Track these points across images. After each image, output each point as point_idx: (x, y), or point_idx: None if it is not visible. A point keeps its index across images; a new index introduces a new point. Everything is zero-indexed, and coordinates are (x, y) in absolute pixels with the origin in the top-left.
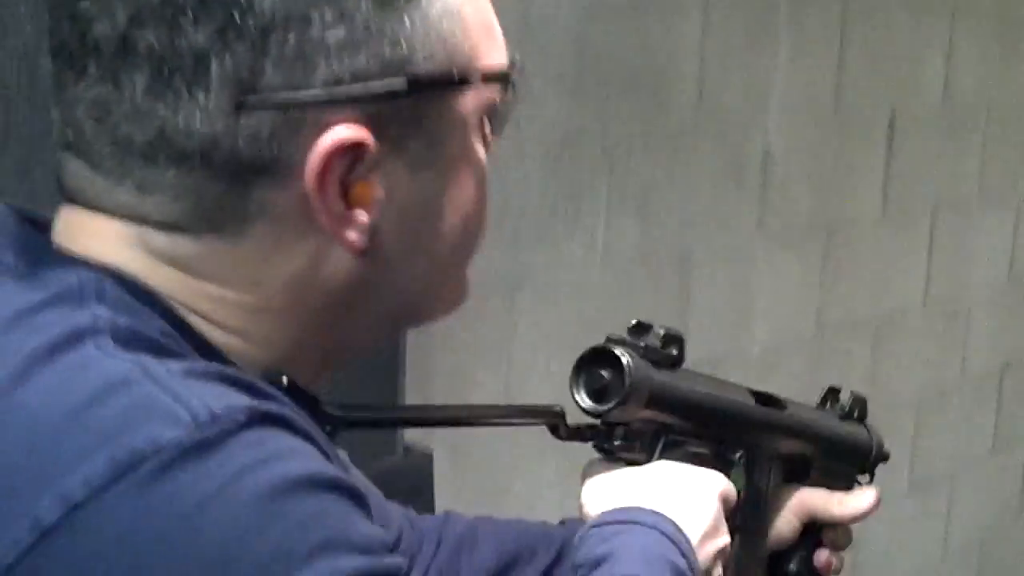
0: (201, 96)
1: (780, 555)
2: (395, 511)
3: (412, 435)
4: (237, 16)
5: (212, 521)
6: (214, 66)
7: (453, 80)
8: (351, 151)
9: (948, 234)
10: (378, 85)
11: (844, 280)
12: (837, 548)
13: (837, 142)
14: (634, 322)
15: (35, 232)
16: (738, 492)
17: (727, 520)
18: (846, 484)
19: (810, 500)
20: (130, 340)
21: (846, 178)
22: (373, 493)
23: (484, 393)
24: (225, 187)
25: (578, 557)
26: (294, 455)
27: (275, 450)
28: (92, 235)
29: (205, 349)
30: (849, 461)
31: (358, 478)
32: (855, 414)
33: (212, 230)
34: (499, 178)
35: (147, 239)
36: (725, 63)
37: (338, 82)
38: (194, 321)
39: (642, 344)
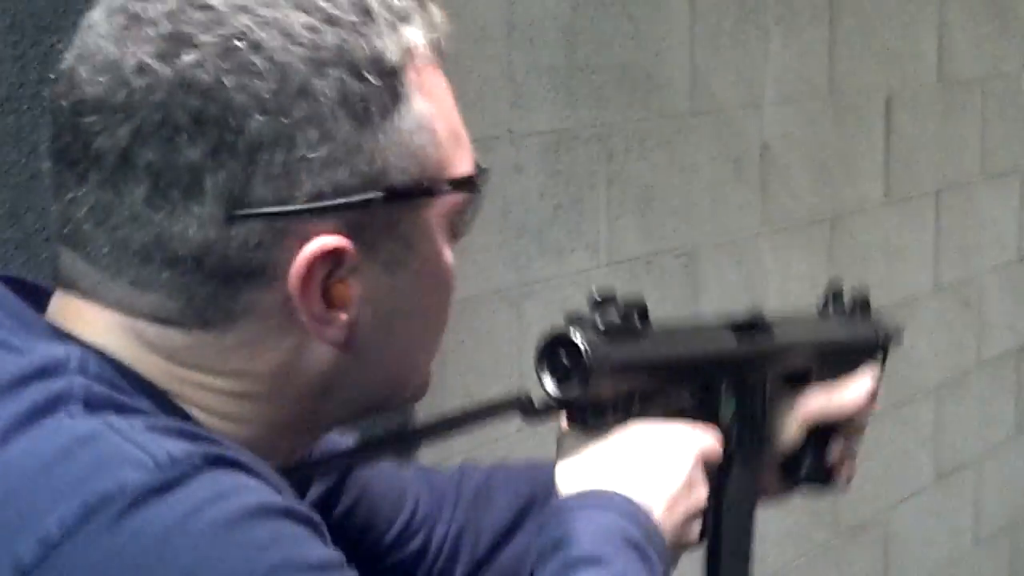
0: (195, 208)
1: (791, 462)
2: (410, 475)
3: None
4: (229, 137)
5: (176, 550)
6: (208, 181)
7: (424, 190)
8: (332, 256)
9: (953, 215)
10: (358, 198)
11: (852, 268)
12: (847, 439)
13: (835, 128)
14: (596, 297)
15: (30, 307)
16: (730, 421)
17: (719, 462)
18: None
19: (809, 404)
20: (99, 404)
21: (846, 164)
22: (382, 464)
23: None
24: (215, 288)
25: (537, 543)
26: (248, 490)
27: (231, 486)
28: (86, 321)
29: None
30: (853, 360)
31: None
32: (857, 310)
33: (201, 326)
34: (498, 192)
35: (138, 329)
36: (716, 50)
37: (320, 196)
38: (178, 402)
39: (602, 319)
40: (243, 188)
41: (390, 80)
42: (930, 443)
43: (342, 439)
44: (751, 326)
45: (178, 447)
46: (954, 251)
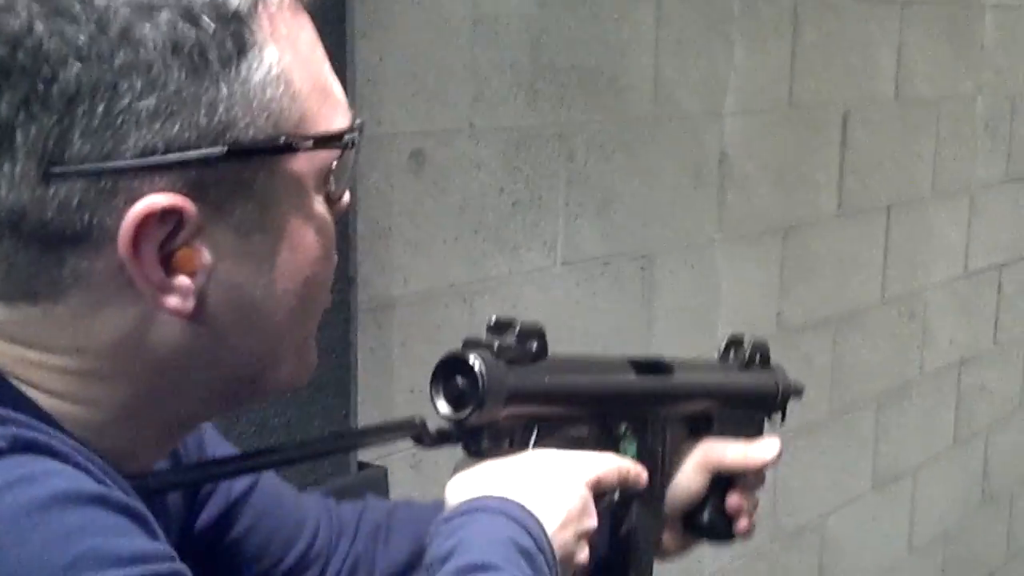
0: (6, 166)
1: (693, 509)
2: (312, 505)
3: (368, 452)
4: (41, 86)
5: None
6: (19, 136)
7: (279, 147)
8: (169, 218)
9: (903, 230)
10: (195, 153)
11: (803, 279)
12: (748, 491)
13: (792, 140)
14: (493, 320)
15: None
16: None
17: (616, 495)
18: (754, 430)
19: (714, 453)
20: None
21: (802, 176)
22: (283, 494)
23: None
24: (36, 256)
25: (428, 555)
26: (58, 475)
27: (38, 471)
28: None
29: (26, 409)
30: (754, 408)
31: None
32: (756, 360)
33: (25, 298)
34: (457, 184)
35: None
36: (680, 57)
37: (151, 151)
38: (15, 383)
39: (499, 344)
40: (59, 143)
41: (233, 26)
42: (870, 451)
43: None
44: (652, 366)
45: None
46: (903, 265)
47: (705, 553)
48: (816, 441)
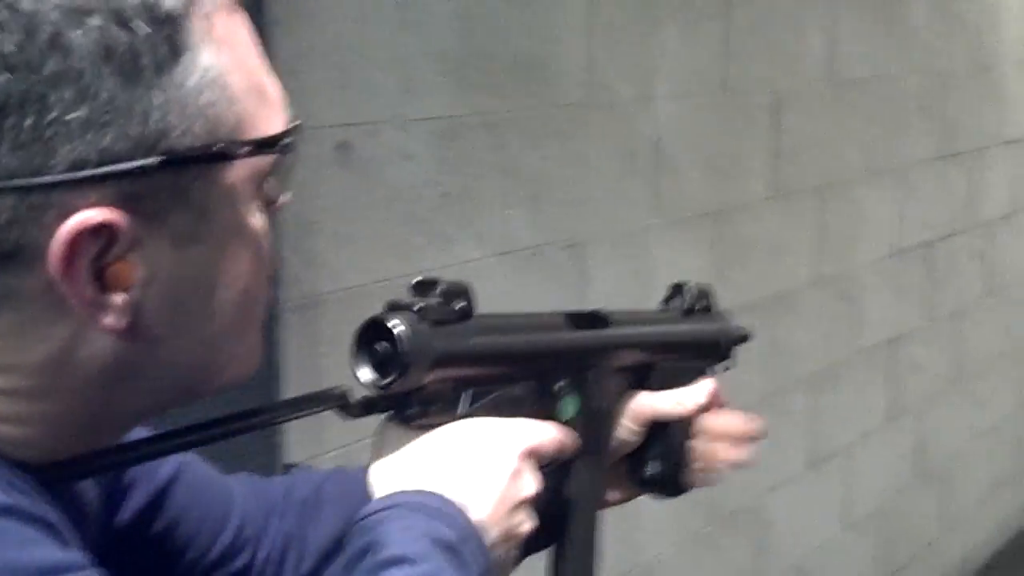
0: None
1: (633, 463)
2: (239, 488)
3: (295, 452)
4: None
5: None
6: None
7: (215, 154)
8: (102, 232)
9: (835, 211)
10: (128, 165)
11: (736, 262)
12: (685, 440)
13: (725, 124)
14: (416, 280)
15: None
16: (572, 419)
17: (554, 456)
18: (695, 379)
19: (647, 404)
20: None
21: (735, 160)
22: (209, 479)
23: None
24: None
25: (346, 552)
26: None
27: None
28: None
29: None
30: (696, 356)
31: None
32: (698, 306)
33: None
34: (385, 176)
35: None
36: (611, 43)
37: (82, 164)
38: None
39: (422, 305)
40: None
41: (167, 29)
42: (803, 431)
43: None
44: (588, 319)
45: None
46: (834, 246)
47: (643, 538)
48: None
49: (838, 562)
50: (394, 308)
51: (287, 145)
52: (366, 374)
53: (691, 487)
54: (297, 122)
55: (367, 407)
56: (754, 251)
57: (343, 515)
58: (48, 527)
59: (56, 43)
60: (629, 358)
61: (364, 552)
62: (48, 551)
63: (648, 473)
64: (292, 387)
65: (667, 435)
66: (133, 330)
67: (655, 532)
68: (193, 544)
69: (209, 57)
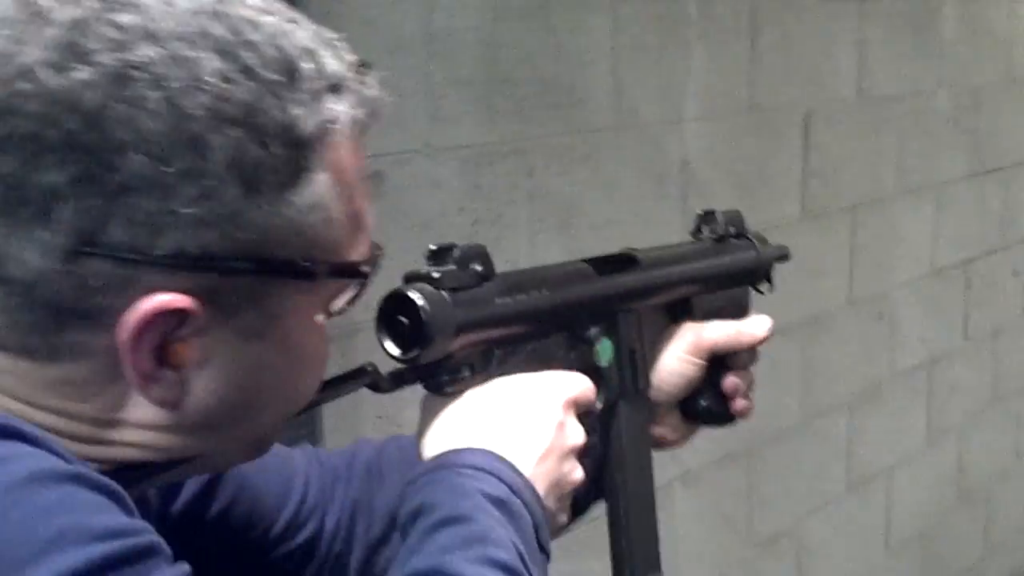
0: (42, 234)
1: (689, 396)
2: (300, 459)
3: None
4: (98, 170)
5: None
6: (63, 210)
7: (302, 271)
8: (175, 315)
9: (869, 230)
10: (222, 265)
11: None
12: (742, 370)
13: (754, 143)
14: (432, 247)
15: None
16: (609, 364)
17: (599, 404)
18: (737, 307)
19: (706, 337)
20: None
21: (765, 180)
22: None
23: (412, 429)
24: (40, 319)
25: (400, 515)
26: (32, 456)
27: (10, 453)
28: None
29: None
30: (734, 283)
31: None
32: (731, 231)
33: (24, 354)
34: (416, 205)
35: None
36: (638, 65)
37: (182, 254)
38: None
39: (439, 273)
40: (98, 226)
41: (296, 153)
42: (843, 454)
43: None
44: (615, 263)
45: None
46: (869, 265)
47: (683, 564)
48: (789, 446)
49: None
50: (412, 279)
51: (366, 273)
52: (392, 348)
53: (739, 416)
54: (380, 251)
55: (397, 380)
56: (787, 272)
57: (406, 478)
58: (114, 495)
59: (195, 142)
60: (664, 296)
61: (416, 515)
62: (116, 516)
63: (703, 405)
64: (331, 415)
65: (722, 366)
66: (176, 407)
67: (694, 557)
68: (254, 522)
69: (323, 184)
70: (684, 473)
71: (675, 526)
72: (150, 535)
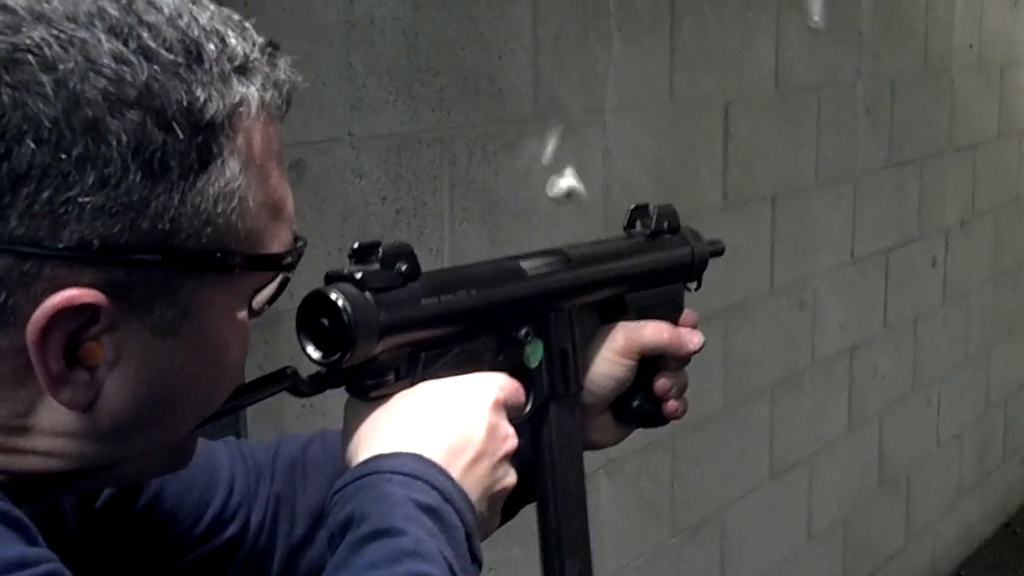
0: None
1: (621, 397)
2: (225, 455)
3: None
4: None
5: None
6: None
7: (216, 262)
8: (84, 311)
9: (789, 219)
10: (128, 257)
11: None
12: (674, 370)
13: (674, 134)
14: (355, 246)
15: None
16: (539, 365)
17: (528, 407)
18: (672, 304)
19: (639, 338)
20: None
21: (686, 170)
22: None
23: (337, 422)
24: None
25: (328, 525)
26: None
27: None
28: None
29: None
30: (667, 280)
31: None
32: (665, 227)
33: None
34: (336, 195)
35: None
36: (558, 56)
37: (85, 246)
38: None
39: (362, 273)
40: None
41: (203, 136)
42: (765, 441)
43: None
44: (546, 259)
45: None
46: (789, 254)
47: (607, 551)
48: (711, 434)
49: (803, 573)
50: (334, 279)
51: (288, 265)
52: (314, 352)
53: (672, 418)
54: (301, 243)
55: (319, 384)
56: (710, 260)
57: (330, 477)
58: (15, 523)
59: (92, 127)
60: (595, 295)
61: (344, 527)
62: (16, 547)
63: (636, 406)
64: (254, 404)
65: (651, 368)
66: (89, 409)
67: (618, 545)
68: (178, 519)
69: (234, 170)
70: (608, 462)
71: (599, 514)
72: (52, 563)
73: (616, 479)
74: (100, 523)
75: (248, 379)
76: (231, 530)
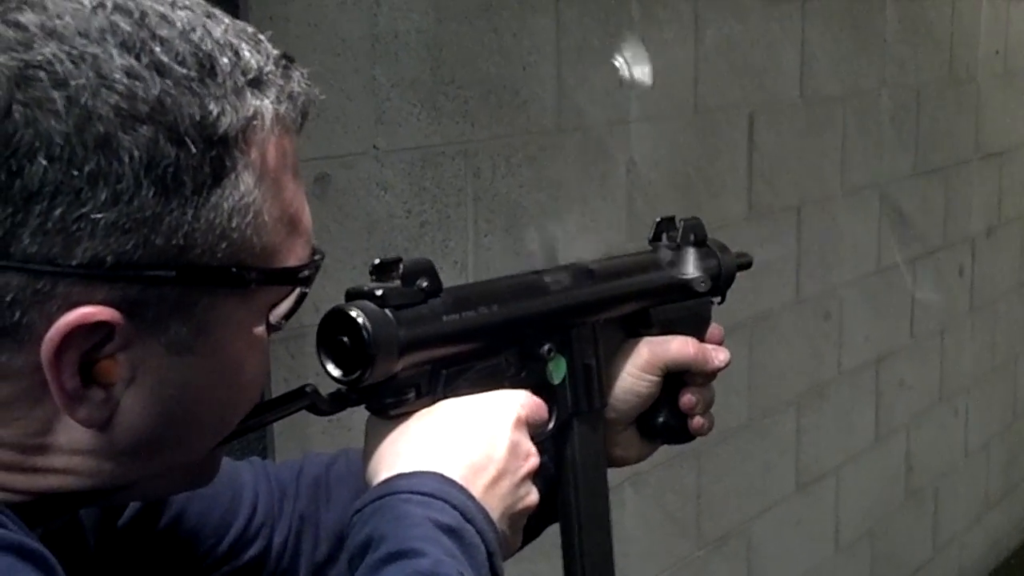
0: None
1: (646, 413)
2: (248, 475)
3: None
4: (3, 176)
5: None
6: None
7: (232, 278)
8: (99, 329)
9: (814, 229)
10: (142, 274)
11: None
12: (700, 386)
13: (699, 145)
14: (376, 262)
15: None
16: (562, 381)
17: (551, 424)
18: (698, 318)
19: (664, 353)
20: None
21: (710, 181)
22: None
23: (363, 437)
24: None
25: (346, 549)
26: None
27: None
28: None
29: None
30: (693, 294)
31: None
32: (691, 240)
33: None
34: (361, 208)
35: None
36: (582, 65)
37: (98, 264)
38: None
39: (383, 290)
40: (7, 236)
41: (217, 150)
42: (791, 453)
43: None
44: (569, 275)
45: None
46: (814, 264)
47: (632, 565)
48: (737, 446)
49: None
50: (354, 296)
51: (304, 279)
52: (334, 370)
53: (698, 434)
54: (319, 256)
55: (338, 402)
56: None
57: (354, 496)
58: (43, 563)
59: (104, 143)
60: (619, 309)
61: (364, 549)
62: None
63: (661, 422)
64: (277, 431)
65: (677, 383)
66: (106, 428)
67: (644, 558)
68: (200, 538)
69: (249, 184)
70: (633, 475)
71: (624, 528)
72: None
73: (641, 492)
74: (122, 541)
75: (274, 393)
76: (254, 549)
